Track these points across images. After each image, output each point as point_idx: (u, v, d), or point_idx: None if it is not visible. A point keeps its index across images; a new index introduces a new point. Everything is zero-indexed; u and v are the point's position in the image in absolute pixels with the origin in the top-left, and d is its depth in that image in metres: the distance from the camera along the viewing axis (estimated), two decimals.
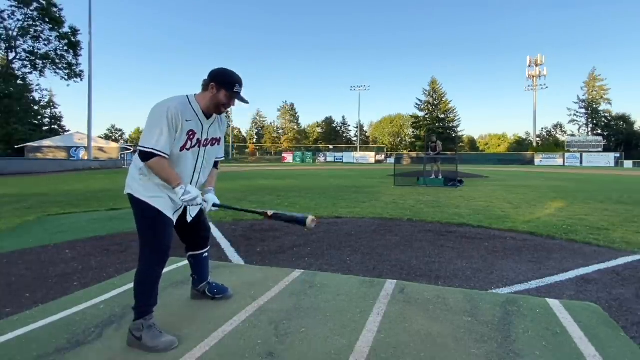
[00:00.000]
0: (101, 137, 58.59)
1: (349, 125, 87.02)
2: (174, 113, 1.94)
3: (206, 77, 2.08)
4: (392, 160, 38.01)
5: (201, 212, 2.35)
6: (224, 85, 2.04)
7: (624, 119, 61.84)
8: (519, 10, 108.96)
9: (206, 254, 2.48)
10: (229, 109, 2.16)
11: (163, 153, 1.93)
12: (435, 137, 14.88)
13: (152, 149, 1.90)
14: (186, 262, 2.53)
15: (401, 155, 39.91)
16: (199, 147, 2.13)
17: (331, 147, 73.69)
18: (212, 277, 2.62)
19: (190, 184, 2.14)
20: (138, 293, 1.99)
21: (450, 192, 10.30)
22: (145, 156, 1.92)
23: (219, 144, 2.27)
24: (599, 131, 62.59)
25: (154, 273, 2.02)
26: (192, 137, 2.05)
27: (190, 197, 2.00)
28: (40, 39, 38.54)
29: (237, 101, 2.13)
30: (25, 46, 38.60)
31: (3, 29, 36.20)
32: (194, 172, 2.16)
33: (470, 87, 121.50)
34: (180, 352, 1.87)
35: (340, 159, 62.96)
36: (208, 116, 2.12)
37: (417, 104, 70.65)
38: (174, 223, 2.13)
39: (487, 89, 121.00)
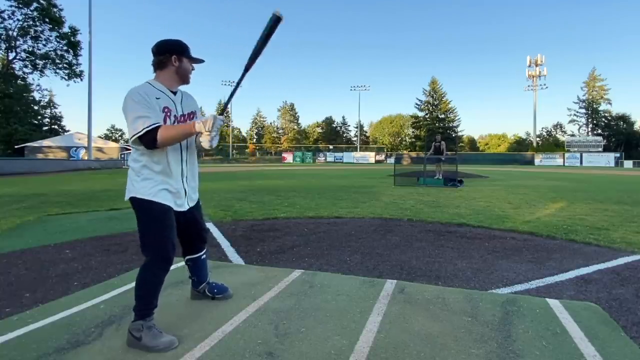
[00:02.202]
0: (101, 137, 58.61)
1: (349, 125, 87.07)
2: (141, 94, 1.92)
3: (158, 56, 2.05)
4: (392, 160, 38.03)
5: (199, 208, 2.33)
6: (183, 54, 2.08)
7: (624, 119, 61.83)
8: (519, 10, 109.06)
9: (204, 256, 2.47)
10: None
11: (158, 122, 1.90)
12: (439, 136, 14.69)
13: (148, 126, 1.85)
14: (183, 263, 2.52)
15: (401, 155, 39.90)
16: (179, 124, 2.08)
17: (331, 147, 73.66)
18: (212, 277, 2.62)
19: (181, 177, 2.10)
20: (139, 296, 1.98)
21: (450, 192, 10.30)
22: (148, 139, 1.86)
23: (196, 117, 2.21)
24: (599, 131, 62.58)
25: (157, 278, 2.01)
26: (168, 114, 2.03)
27: (212, 121, 1.88)
28: (40, 39, 38.54)
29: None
30: (25, 46, 38.61)
31: (3, 29, 36.19)
32: (181, 162, 2.12)
33: (470, 87, 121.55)
34: (180, 352, 1.87)
35: (340, 159, 62.95)
36: (174, 92, 2.12)
37: (417, 104, 70.69)
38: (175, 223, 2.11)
39: (487, 89, 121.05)
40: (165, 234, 1.99)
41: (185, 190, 2.15)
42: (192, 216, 2.27)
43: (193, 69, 2.19)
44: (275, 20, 1.94)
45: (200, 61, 2.18)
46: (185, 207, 2.16)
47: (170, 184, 2.04)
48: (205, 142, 1.95)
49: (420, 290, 2.73)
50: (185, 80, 2.15)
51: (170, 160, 2.04)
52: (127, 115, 1.90)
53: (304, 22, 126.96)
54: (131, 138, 1.90)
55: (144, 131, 1.85)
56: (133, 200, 1.99)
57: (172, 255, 2.02)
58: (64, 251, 3.95)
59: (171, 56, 2.05)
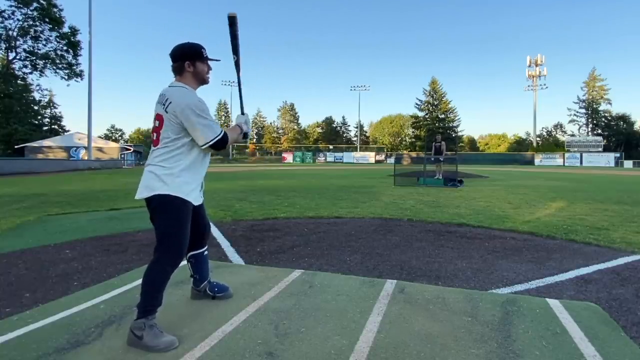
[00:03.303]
0: (101, 137, 58.57)
1: (349, 125, 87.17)
2: (203, 103, 2.05)
3: (174, 63, 2.13)
4: (392, 160, 38.03)
5: (203, 203, 2.37)
6: (197, 58, 2.13)
7: (624, 119, 61.85)
8: (519, 10, 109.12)
9: (206, 252, 2.49)
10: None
11: (224, 131, 2.10)
12: (440, 136, 14.59)
13: (221, 133, 2.05)
14: (185, 262, 2.53)
15: (401, 155, 39.91)
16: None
17: (331, 147, 73.71)
18: (213, 277, 2.62)
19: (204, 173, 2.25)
20: (145, 292, 1.98)
21: (450, 192, 10.30)
22: (221, 142, 2.05)
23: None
24: (599, 131, 62.61)
25: (166, 274, 2.03)
26: None
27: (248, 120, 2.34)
28: (40, 39, 38.57)
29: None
30: (25, 46, 38.66)
31: (3, 29, 36.21)
32: (206, 160, 2.24)
33: (470, 87, 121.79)
34: (180, 352, 1.87)
35: (340, 159, 62.99)
36: None
37: (417, 104, 70.75)
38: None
39: (487, 89, 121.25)
40: (185, 232, 2.07)
41: (202, 185, 2.27)
42: (199, 211, 2.30)
43: (210, 69, 2.22)
44: (232, 20, 2.28)
45: (215, 60, 2.22)
46: (200, 201, 2.24)
47: (198, 183, 2.16)
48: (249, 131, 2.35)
49: (420, 290, 2.73)
50: (203, 82, 2.21)
51: (202, 160, 2.16)
52: (198, 120, 1.99)
53: (304, 22, 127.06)
54: (209, 141, 2.02)
55: (222, 134, 2.05)
56: (162, 197, 1.99)
57: (183, 250, 2.08)
58: (64, 251, 3.95)
59: (184, 62, 2.11)
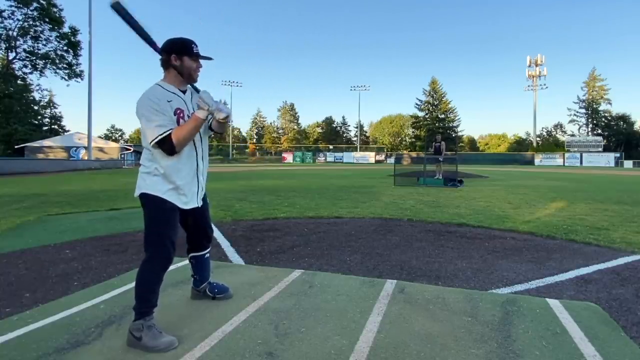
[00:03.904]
0: (101, 137, 58.57)
1: (349, 125, 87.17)
2: (153, 99, 1.94)
3: (161, 57, 2.08)
4: (392, 160, 38.04)
5: (207, 206, 2.35)
6: (184, 52, 2.05)
7: (624, 119, 61.85)
8: (519, 10, 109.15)
9: (208, 255, 2.48)
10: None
11: (170, 128, 1.94)
12: (440, 136, 14.59)
13: (162, 134, 1.91)
14: (186, 262, 2.53)
15: (401, 155, 39.93)
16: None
17: (331, 147, 73.75)
18: (212, 277, 2.62)
19: (196, 173, 2.14)
20: (138, 294, 1.99)
21: (450, 192, 10.30)
22: (166, 147, 1.93)
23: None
24: (599, 131, 62.61)
25: (156, 276, 2.02)
26: (182, 115, 2.04)
27: (204, 98, 1.96)
28: (40, 39, 38.56)
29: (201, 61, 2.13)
30: (25, 46, 38.65)
31: (3, 29, 36.21)
32: (197, 158, 2.14)
33: (470, 87, 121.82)
34: (180, 352, 1.87)
35: (340, 159, 63.00)
36: (184, 92, 2.13)
37: (417, 104, 70.78)
38: (183, 217, 2.15)
39: (487, 89, 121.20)
40: (167, 232, 2.01)
41: (198, 187, 2.18)
42: (202, 214, 2.29)
43: (200, 66, 2.13)
44: (116, 6, 2.03)
45: (207, 58, 2.14)
46: (193, 205, 2.16)
47: (180, 183, 2.06)
48: (220, 114, 2.01)
49: (420, 290, 2.73)
50: (190, 79, 2.11)
51: (184, 159, 2.06)
52: (141, 121, 1.95)
53: (304, 22, 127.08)
54: (149, 144, 1.95)
55: (158, 139, 1.91)
56: (143, 196, 2.02)
57: (172, 254, 2.04)
58: (64, 251, 3.95)
59: (170, 55, 2.05)
